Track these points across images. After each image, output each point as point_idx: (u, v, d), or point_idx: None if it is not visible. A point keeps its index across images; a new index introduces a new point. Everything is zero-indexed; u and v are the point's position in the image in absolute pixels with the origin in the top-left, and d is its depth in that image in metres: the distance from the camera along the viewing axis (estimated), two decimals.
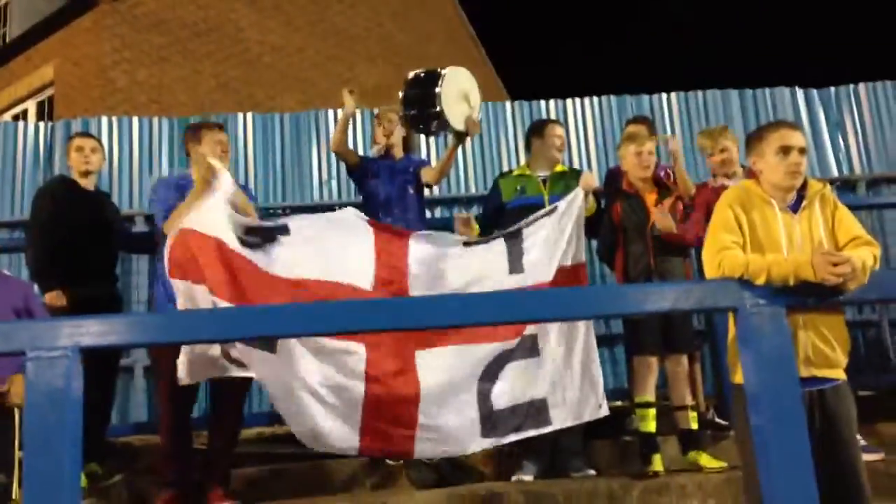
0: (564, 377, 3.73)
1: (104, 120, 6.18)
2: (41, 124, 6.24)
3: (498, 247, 4.01)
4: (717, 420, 4.52)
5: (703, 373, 4.49)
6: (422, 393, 3.65)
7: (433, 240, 4.07)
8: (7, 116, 11.83)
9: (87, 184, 4.60)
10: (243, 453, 4.53)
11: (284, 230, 3.91)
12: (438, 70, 4.17)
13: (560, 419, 3.70)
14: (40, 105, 11.99)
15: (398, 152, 4.65)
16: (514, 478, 4.04)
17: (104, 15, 11.08)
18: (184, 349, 3.51)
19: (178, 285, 3.55)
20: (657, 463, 3.92)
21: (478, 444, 3.69)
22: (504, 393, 3.70)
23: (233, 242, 3.65)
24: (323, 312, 2.59)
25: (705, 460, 3.96)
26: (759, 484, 2.43)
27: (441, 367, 3.72)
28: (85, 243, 4.40)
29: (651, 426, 3.97)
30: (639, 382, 4.03)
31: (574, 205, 3.96)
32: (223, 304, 3.44)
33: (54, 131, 6.12)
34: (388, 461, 4.19)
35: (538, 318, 3.22)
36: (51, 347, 2.24)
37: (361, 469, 4.26)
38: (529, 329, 3.75)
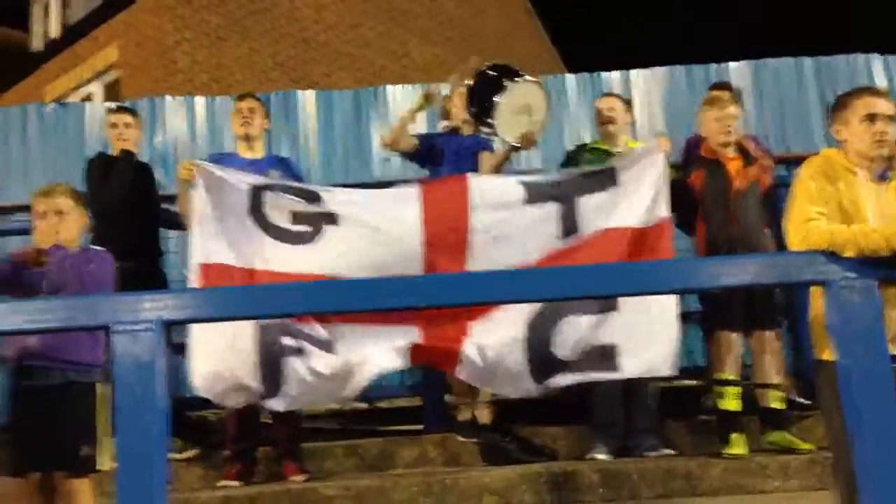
0: (641, 328, 3.66)
1: (168, 100, 6.28)
2: (109, 104, 6.36)
3: (552, 215, 3.92)
4: (800, 399, 4.39)
5: (784, 350, 4.34)
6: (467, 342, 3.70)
7: (492, 204, 3.96)
8: (74, 98, 12.11)
9: (131, 158, 4.59)
10: (314, 428, 4.59)
11: (331, 219, 3.91)
12: (504, 82, 4.03)
13: (630, 368, 3.66)
14: (106, 87, 12.24)
15: (467, 129, 4.54)
16: (587, 456, 4.00)
17: None
18: (214, 372, 3.62)
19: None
20: (738, 443, 3.81)
21: (533, 387, 3.69)
22: (568, 343, 3.68)
23: (262, 262, 3.79)
24: (390, 287, 2.55)
25: (789, 441, 3.84)
26: (851, 463, 2.35)
27: (490, 326, 3.73)
28: (124, 218, 4.38)
29: (731, 404, 3.86)
30: (719, 359, 3.91)
31: (651, 171, 3.87)
32: None
33: None
34: (458, 437, 4.19)
35: (612, 292, 3.15)
36: (135, 321, 2.27)
37: (432, 447, 4.27)
38: None
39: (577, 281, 2.54)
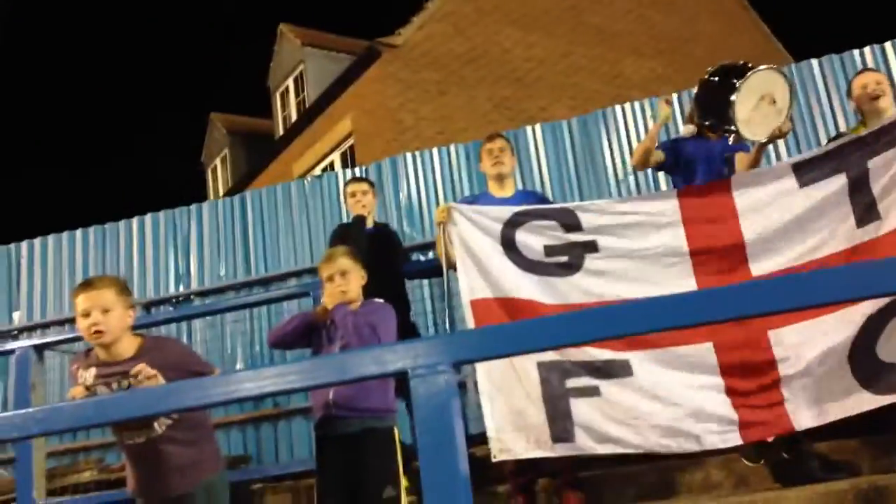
0: None
1: (408, 157, 6.66)
2: (348, 170, 6.88)
3: (840, 192, 3.62)
4: None
5: None
6: (779, 365, 3.55)
7: (762, 201, 3.76)
8: (316, 171, 13.26)
9: (368, 223, 4.89)
10: (592, 457, 4.53)
11: (592, 247, 3.91)
12: (734, 80, 3.77)
13: None
14: (343, 155, 13.29)
15: (713, 135, 4.28)
16: None
17: (387, 63, 12.05)
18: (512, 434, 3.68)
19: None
20: None
21: (867, 401, 3.42)
22: (893, 343, 3.39)
23: (521, 290, 3.84)
24: (673, 305, 2.47)
25: None
26: None
27: (802, 335, 3.55)
28: (373, 279, 4.60)
29: None
30: None
31: None
32: None
33: (367, 174, 6.69)
34: (745, 461, 3.95)
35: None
36: (431, 364, 2.38)
37: (716, 470, 4.04)
38: None
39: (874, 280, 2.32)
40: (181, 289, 6.65)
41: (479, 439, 5.39)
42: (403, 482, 3.51)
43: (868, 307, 3.48)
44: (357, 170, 6.89)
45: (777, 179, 3.78)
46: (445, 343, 2.40)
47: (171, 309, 6.54)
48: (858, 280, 2.33)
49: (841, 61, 5.60)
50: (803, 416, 3.53)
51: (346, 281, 3.49)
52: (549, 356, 3.75)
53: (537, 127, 6.50)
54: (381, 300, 3.61)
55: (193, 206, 6.93)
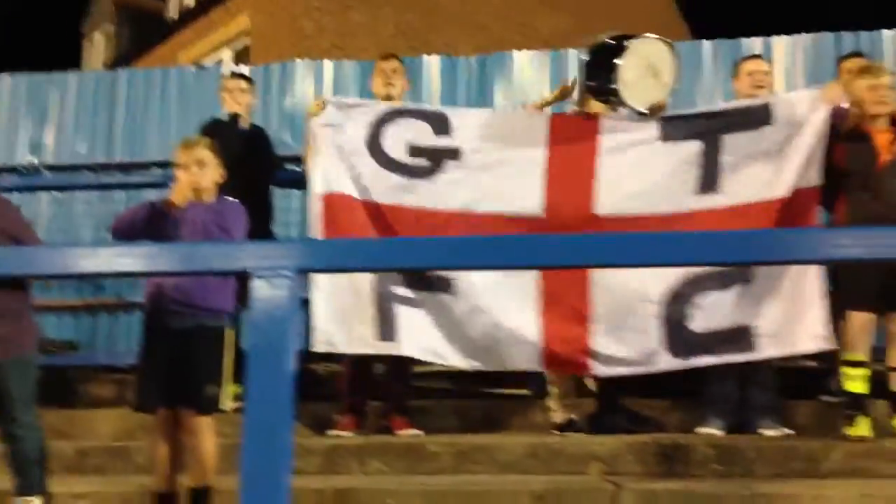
0: (780, 305, 3.61)
1: (299, 64, 6.45)
2: (244, 67, 6.60)
3: (693, 155, 3.82)
4: None
5: None
6: (594, 310, 3.77)
7: (624, 144, 3.92)
8: (206, 63, 12.66)
9: (242, 123, 4.74)
10: (424, 387, 4.68)
11: (454, 153, 3.99)
12: (625, 43, 3.86)
13: (769, 348, 3.65)
14: (236, 53, 12.72)
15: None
16: (698, 430, 3.90)
17: None
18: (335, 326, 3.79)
19: None
20: (863, 426, 3.63)
21: (665, 363, 3.73)
22: (703, 316, 3.69)
23: (382, 195, 3.91)
24: (508, 245, 2.54)
25: None
26: None
27: (617, 285, 3.76)
28: (233, 179, 4.45)
29: (860, 387, 3.66)
30: (851, 340, 3.70)
31: (813, 119, 3.71)
32: None
33: (254, 75, 6.44)
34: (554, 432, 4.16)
35: (728, 260, 3.04)
36: (274, 268, 2.35)
37: (541, 412, 4.26)
38: None
39: (705, 247, 2.45)
40: (34, 160, 6.21)
41: (322, 356, 5.47)
42: (234, 388, 3.51)
43: (683, 272, 3.71)
44: (245, 69, 6.61)
45: (642, 129, 3.93)
46: (293, 249, 2.38)
47: (16, 179, 6.10)
48: (684, 247, 2.46)
49: (731, 47, 5.79)
50: (603, 365, 3.80)
51: (201, 173, 3.37)
52: None
53: (435, 58, 6.40)
54: (235, 200, 3.51)
55: (58, 74, 6.44)
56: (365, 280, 3.87)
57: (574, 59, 5.97)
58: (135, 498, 3.46)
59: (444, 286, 3.88)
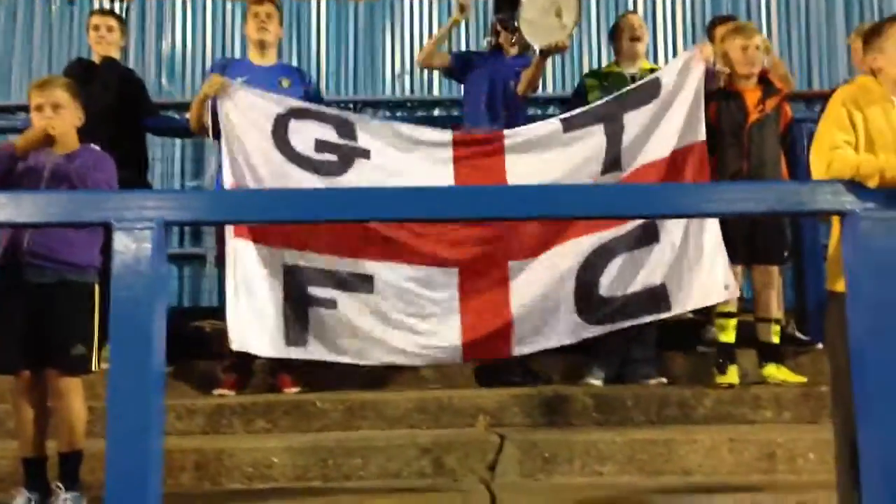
0: (686, 261, 3.74)
1: (178, 2, 6.10)
2: (116, 3, 6.18)
3: (597, 140, 3.90)
4: (798, 335, 4.39)
5: (785, 286, 4.33)
6: (513, 296, 3.83)
7: (530, 142, 3.96)
8: None
9: (111, 64, 4.46)
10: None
11: (364, 153, 3.91)
12: None
13: (681, 303, 3.78)
14: None
15: (512, 51, 4.40)
16: (582, 381, 4.00)
17: None
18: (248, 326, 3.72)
19: (245, 248, 3.75)
20: (732, 374, 3.82)
21: (585, 331, 3.83)
22: (612, 281, 3.80)
23: (284, 184, 3.78)
24: (410, 197, 2.49)
25: (784, 374, 3.85)
26: (850, 397, 2.33)
27: (533, 271, 3.85)
28: (107, 126, 4.09)
29: (730, 336, 3.85)
30: None
31: (690, 79, 3.82)
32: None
33: (128, 11, 6.07)
34: None
35: (618, 214, 3.14)
36: (137, 219, 2.22)
37: (429, 368, 4.25)
38: None
39: (592, 200, 2.47)
40: None
41: (209, 313, 5.30)
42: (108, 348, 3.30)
43: (590, 244, 3.84)
44: (117, 5, 6.18)
45: (546, 130, 3.99)
46: (157, 199, 2.24)
47: None
48: (598, 199, 2.49)
49: (616, 2, 5.90)
50: (523, 345, 3.86)
51: (58, 116, 3.11)
52: (296, 261, 3.83)
53: (322, 2, 6.20)
54: (98, 148, 3.27)
55: None
56: (278, 282, 3.82)
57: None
58: (2, 463, 3.26)
59: (362, 285, 3.84)
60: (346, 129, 3.96)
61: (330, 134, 3.93)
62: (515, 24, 3.95)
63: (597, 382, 3.97)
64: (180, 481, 3.21)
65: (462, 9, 4.28)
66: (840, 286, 2.48)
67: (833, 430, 2.63)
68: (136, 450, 2.14)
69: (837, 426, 2.59)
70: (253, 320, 3.76)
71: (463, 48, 5.75)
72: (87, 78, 4.29)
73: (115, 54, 4.50)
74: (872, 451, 2.20)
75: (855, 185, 2.30)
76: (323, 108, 4.07)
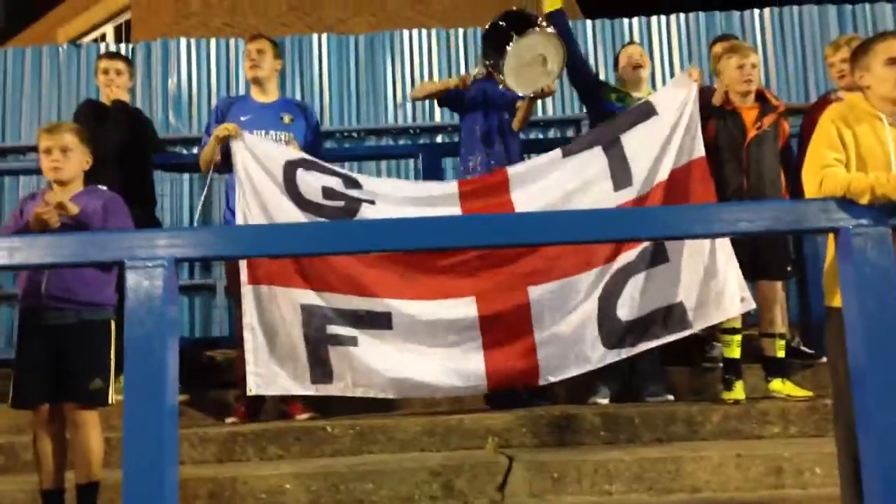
0: (700, 278, 3.77)
1: (182, 42, 6.24)
2: (122, 45, 6.33)
3: (598, 160, 3.97)
4: (803, 349, 4.42)
5: (789, 300, 4.36)
6: (536, 323, 3.83)
7: (533, 175, 4.02)
8: (86, 40, 12.03)
9: (120, 106, 4.53)
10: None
11: (370, 202, 3.97)
12: (513, 33, 3.95)
13: (699, 320, 3.80)
14: (117, 29, 12.15)
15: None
16: (589, 401, 4.04)
17: None
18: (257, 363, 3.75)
19: (261, 292, 3.76)
20: (739, 390, 3.85)
21: (608, 356, 3.84)
22: (631, 304, 3.83)
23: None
24: (422, 228, 2.55)
25: (790, 388, 3.88)
26: (851, 410, 2.36)
27: (554, 296, 3.86)
28: (117, 166, 4.24)
29: (736, 352, 3.88)
30: None
31: (683, 100, 3.92)
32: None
33: (135, 53, 6.20)
34: None
35: (623, 237, 3.20)
36: (148, 258, 2.29)
37: None
38: None
39: (593, 224, 2.54)
40: None
41: (221, 343, 5.37)
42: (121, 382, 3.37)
43: (608, 270, 3.88)
44: (123, 47, 6.33)
45: (548, 162, 4.07)
46: (167, 237, 2.32)
47: None
48: (596, 223, 2.56)
49: (612, 27, 6.01)
50: (550, 372, 3.86)
51: (65, 159, 3.22)
52: (313, 300, 3.84)
53: (324, 36, 6.32)
54: (106, 188, 3.37)
55: None
56: (297, 323, 3.83)
57: (463, 38, 6.06)
58: (20, 496, 3.30)
59: (380, 321, 3.85)
60: (351, 183, 4.05)
61: (336, 182, 4.00)
62: (501, 75, 3.99)
63: (603, 401, 4.01)
64: None
65: (464, 81, 4.42)
66: (837, 301, 2.52)
67: (836, 443, 2.66)
68: (152, 480, 2.20)
69: (840, 439, 2.62)
70: (274, 363, 3.78)
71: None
72: (98, 119, 4.41)
73: (124, 96, 4.60)
74: (874, 463, 2.25)
75: (847, 203, 2.37)
76: (328, 165, 4.13)
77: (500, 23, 4.05)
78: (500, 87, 4.15)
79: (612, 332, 3.84)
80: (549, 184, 3.99)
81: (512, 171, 4.04)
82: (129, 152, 4.44)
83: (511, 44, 3.91)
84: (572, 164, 4.01)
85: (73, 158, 3.25)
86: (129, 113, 4.65)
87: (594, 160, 3.99)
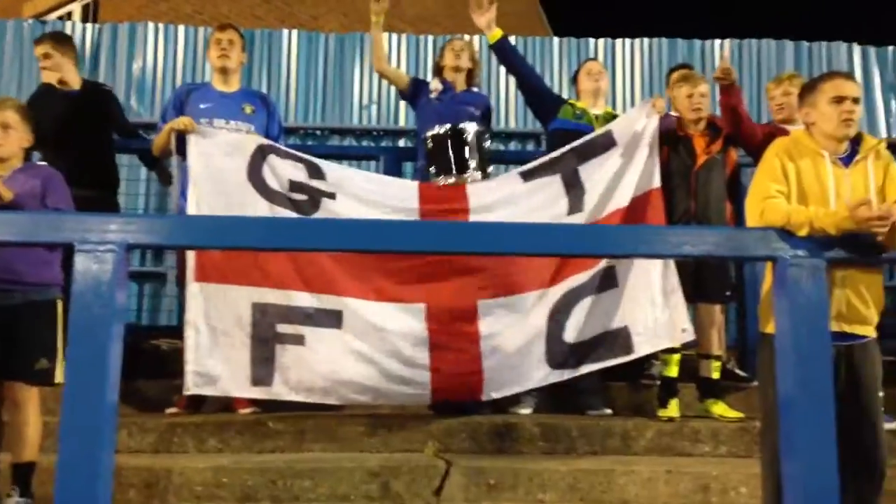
0: (645, 305, 3.84)
1: (150, 26, 6.18)
2: (88, 25, 6.25)
3: (555, 188, 4.04)
4: (737, 371, 4.55)
5: (728, 323, 4.49)
6: (483, 338, 3.85)
7: (491, 192, 4.06)
8: (52, 17, 11.80)
9: (65, 86, 4.45)
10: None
11: (332, 196, 3.96)
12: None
13: (643, 346, 3.86)
14: (84, 8, 11.93)
15: (460, 85, 4.53)
16: (510, 409, 4.07)
17: None
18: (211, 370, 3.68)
19: (207, 290, 3.70)
20: (674, 408, 3.96)
21: (551, 376, 3.88)
22: (577, 327, 3.87)
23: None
24: (380, 231, 2.58)
25: (722, 409, 4.00)
26: (777, 434, 2.45)
27: (503, 312, 3.88)
28: (65, 146, 4.16)
29: (673, 371, 3.99)
30: None
31: (645, 130, 4.00)
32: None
33: (101, 33, 6.13)
34: None
35: (571, 252, 3.26)
36: (100, 242, 2.28)
37: None
38: (604, 262, 3.88)
39: (544, 239, 2.60)
40: None
41: (168, 332, 5.32)
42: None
43: (559, 291, 3.93)
44: (89, 27, 6.24)
45: (506, 181, 4.14)
46: (121, 222, 2.32)
47: None
48: (548, 238, 2.62)
49: (577, 45, 6.13)
50: (494, 388, 3.87)
51: (5, 135, 3.20)
52: (265, 297, 3.78)
53: (294, 32, 6.33)
54: (45, 163, 3.34)
55: None
56: (245, 321, 3.76)
57: (433, 45, 6.12)
58: None
59: (330, 320, 3.81)
60: (315, 171, 4.01)
61: (302, 175, 3.97)
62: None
63: (525, 411, 4.06)
64: (128, 498, 3.24)
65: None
66: (771, 328, 2.63)
67: (761, 464, 2.77)
68: (87, 466, 2.19)
69: (765, 461, 2.73)
70: (214, 363, 3.70)
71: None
72: (49, 99, 4.33)
73: (70, 75, 4.48)
74: (797, 486, 2.33)
75: (786, 234, 2.47)
76: (293, 151, 4.08)
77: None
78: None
79: (558, 352, 3.88)
80: (505, 201, 4.03)
81: (471, 187, 4.07)
82: (87, 133, 4.38)
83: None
84: (530, 186, 4.07)
85: (13, 136, 3.23)
86: (83, 89, 4.55)
87: (551, 187, 4.05)
